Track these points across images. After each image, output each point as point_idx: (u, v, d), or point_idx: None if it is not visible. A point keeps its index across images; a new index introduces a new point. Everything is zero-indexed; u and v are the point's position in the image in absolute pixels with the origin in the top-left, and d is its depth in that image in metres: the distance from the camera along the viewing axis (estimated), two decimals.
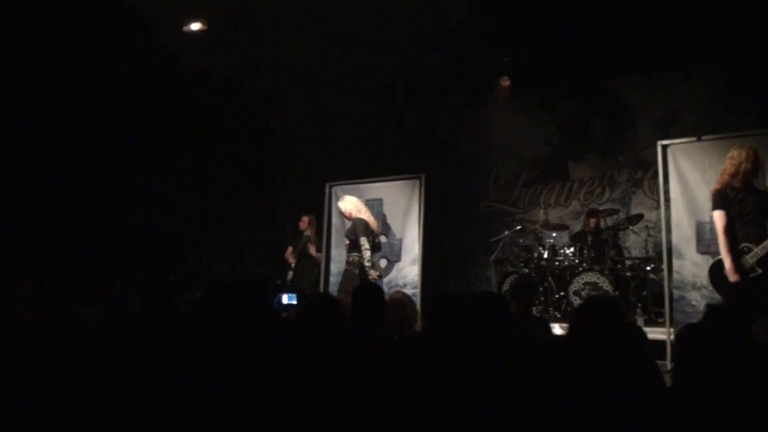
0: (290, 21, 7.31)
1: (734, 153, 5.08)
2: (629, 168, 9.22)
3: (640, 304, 7.22)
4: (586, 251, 7.65)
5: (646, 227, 8.06)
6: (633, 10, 7.16)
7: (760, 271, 4.78)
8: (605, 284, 7.07)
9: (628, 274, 7.49)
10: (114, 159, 8.61)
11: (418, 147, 9.63)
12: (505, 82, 9.62)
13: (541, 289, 7.56)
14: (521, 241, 8.65)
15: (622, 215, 8.48)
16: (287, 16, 7.26)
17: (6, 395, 2.73)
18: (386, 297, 3.95)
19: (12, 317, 3.44)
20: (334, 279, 7.80)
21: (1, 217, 7.34)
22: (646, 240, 8.04)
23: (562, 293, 7.55)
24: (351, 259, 7.08)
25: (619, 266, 7.57)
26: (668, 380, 2.61)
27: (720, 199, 5.02)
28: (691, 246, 5.77)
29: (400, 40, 7.54)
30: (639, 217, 8.04)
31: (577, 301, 7.14)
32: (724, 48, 7.60)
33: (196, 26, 7.63)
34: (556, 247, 7.95)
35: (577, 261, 7.68)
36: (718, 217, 5.00)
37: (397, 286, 7.52)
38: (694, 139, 5.98)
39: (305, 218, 8.59)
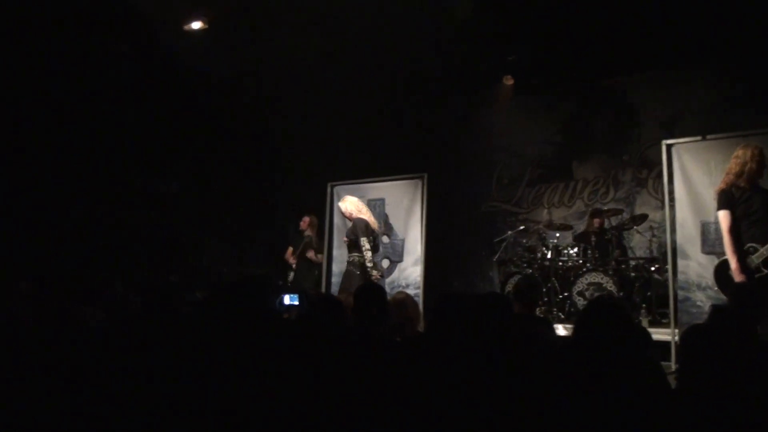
0: (291, 20, 7.31)
1: (739, 152, 5.08)
2: (633, 167, 9.20)
3: (644, 305, 7.21)
4: (590, 251, 7.64)
5: (651, 227, 8.05)
6: (637, 9, 7.15)
7: (765, 271, 4.78)
8: (609, 285, 7.06)
9: (633, 274, 7.48)
10: (114, 159, 8.62)
11: (420, 146, 9.63)
12: (509, 81, 9.62)
13: (544, 289, 7.55)
14: (524, 241, 8.64)
15: (626, 215, 8.46)
16: (288, 15, 7.26)
17: (6, 395, 2.74)
18: (388, 297, 3.95)
19: (12, 317, 3.44)
20: (336, 279, 7.79)
21: (1, 217, 7.35)
22: (650, 240, 8.03)
23: (565, 294, 7.54)
24: (351, 259, 7.09)
25: (623, 267, 7.56)
26: (673, 382, 2.61)
27: (725, 199, 5.01)
28: (696, 246, 5.75)
29: (403, 38, 7.54)
30: (643, 217, 8.03)
31: (581, 302, 7.13)
32: (729, 46, 7.59)
33: (197, 25, 7.63)
34: (560, 248, 7.94)
35: (580, 261, 7.67)
36: (723, 217, 5.00)
37: (399, 286, 7.52)
38: (699, 138, 5.96)
39: (306, 218, 8.58)
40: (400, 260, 7.79)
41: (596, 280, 7.15)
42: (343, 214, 7.36)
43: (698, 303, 5.66)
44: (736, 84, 8.16)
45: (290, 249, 8.65)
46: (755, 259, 4.84)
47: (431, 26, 7.49)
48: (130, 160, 8.89)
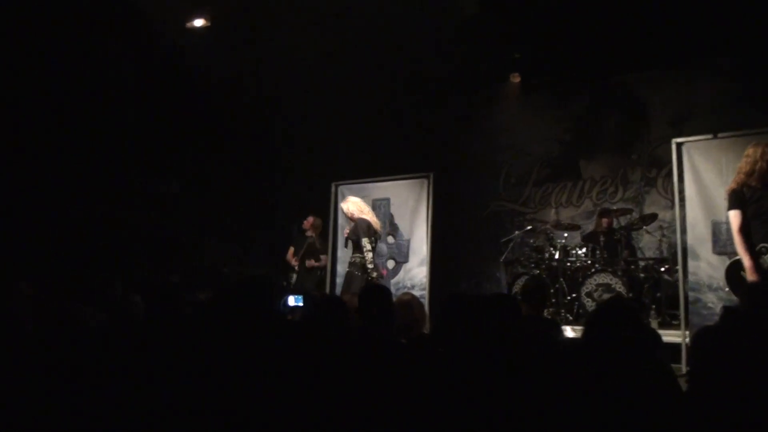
0: (295, 18, 7.32)
1: (750, 151, 5.07)
2: (643, 166, 9.18)
3: (654, 306, 7.20)
4: (598, 252, 7.62)
5: (661, 227, 8.02)
6: (646, 4, 7.14)
7: None
8: (618, 286, 7.04)
9: (642, 275, 7.46)
10: (114, 158, 8.65)
11: (426, 145, 9.62)
12: (516, 78, 9.61)
13: (552, 290, 7.53)
14: (532, 241, 8.63)
15: (635, 215, 8.44)
16: (291, 14, 7.27)
17: (6, 395, 2.75)
18: (394, 299, 3.95)
19: (12, 317, 3.46)
20: (340, 280, 7.81)
21: (1, 217, 7.38)
22: (660, 240, 8.00)
23: (573, 295, 7.52)
24: (353, 260, 7.11)
25: (632, 267, 7.55)
26: (684, 384, 2.60)
27: (736, 199, 5.00)
28: (706, 246, 5.74)
29: (409, 37, 7.55)
30: (653, 217, 8.01)
31: (589, 303, 7.12)
32: (741, 42, 7.56)
33: (199, 22, 7.65)
34: (568, 248, 7.93)
35: (589, 262, 7.66)
36: (734, 217, 4.99)
37: (405, 287, 7.53)
38: (710, 136, 5.95)
39: (310, 219, 8.56)
40: (406, 261, 7.80)
41: (605, 281, 7.14)
42: (345, 215, 7.38)
43: (709, 304, 5.65)
44: (747, 81, 8.12)
45: (291, 249, 8.62)
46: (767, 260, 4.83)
47: (437, 24, 7.50)
48: (130, 159, 8.92)
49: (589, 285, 7.22)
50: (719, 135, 5.89)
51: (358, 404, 2.61)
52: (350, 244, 7.31)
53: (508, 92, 9.85)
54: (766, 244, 4.85)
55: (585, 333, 2.78)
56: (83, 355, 2.97)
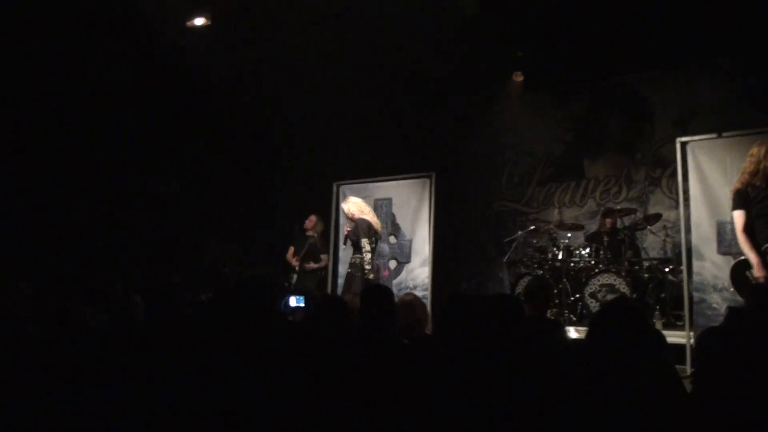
0: (296, 17, 7.32)
1: (754, 150, 5.06)
2: (647, 166, 9.17)
3: (658, 307, 7.19)
4: (602, 252, 7.62)
5: (665, 227, 8.02)
6: (651, 3, 7.13)
7: None
8: (622, 286, 7.04)
9: (646, 275, 7.46)
10: (115, 158, 8.66)
11: (428, 145, 9.62)
12: (518, 77, 9.60)
13: (555, 291, 7.53)
14: (535, 241, 8.62)
15: (639, 215, 8.42)
16: (292, 14, 7.28)
17: (6, 396, 2.76)
18: (396, 299, 3.96)
19: (12, 317, 3.46)
20: (342, 281, 7.81)
21: (1, 217, 7.39)
22: (664, 240, 8.00)
23: (577, 295, 7.52)
24: (354, 261, 7.14)
25: (636, 267, 7.54)
26: (688, 386, 2.60)
27: (740, 199, 5.00)
28: (711, 246, 5.74)
29: (411, 36, 7.56)
30: (657, 217, 8.00)
31: (593, 304, 7.11)
32: (746, 41, 7.55)
33: (199, 21, 7.66)
34: (571, 248, 7.92)
35: (592, 262, 7.65)
36: (738, 217, 4.98)
37: (407, 288, 7.54)
38: (714, 135, 5.95)
39: (312, 218, 8.55)
40: (408, 261, 7.81)
41: (609, 282, 7.13)
42: (345, 215, 7.39)
43: (714, 305, 5.65)
44: (752, 79, 8.11)
45: (291, 249, 8.61)
46: None
47: (439, 23, 7.49)
48: (130, 159, 8.93)
49: (593, 285, 7.22)
50: (724, 134, 5.88)
51: (359, 405, 2.61)
52: (350, 244, 7.32)
53: (510, 91, 9.84)
54: None
55: (589, 334, 2.78)
56: (83, 355, 2.98)
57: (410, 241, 7.80)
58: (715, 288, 5.67)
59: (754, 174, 4.98)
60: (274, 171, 10.39)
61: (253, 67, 8.16)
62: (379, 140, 9.51)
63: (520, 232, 8.87)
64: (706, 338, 2.54)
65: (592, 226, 8.83)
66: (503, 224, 10.08)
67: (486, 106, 10.22)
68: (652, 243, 8.47)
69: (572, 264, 7.80)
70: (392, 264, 7.89)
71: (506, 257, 8.94)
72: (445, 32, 7.71)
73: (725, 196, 5.50)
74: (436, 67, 8.61)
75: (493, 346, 2.94)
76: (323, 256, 8.38)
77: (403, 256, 7.86)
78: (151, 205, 9.30)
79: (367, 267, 6.83)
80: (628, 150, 9.37)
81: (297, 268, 8.42)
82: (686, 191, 6.05)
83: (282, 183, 10.44)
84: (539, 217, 9.80)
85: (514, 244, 8.80)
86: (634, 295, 6.99)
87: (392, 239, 7.86)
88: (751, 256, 4.89)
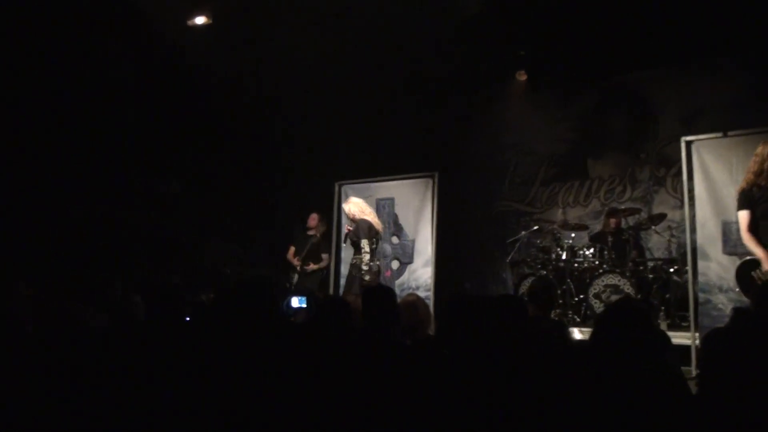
0: (298, 16, 7.33)
1: (759, 150, 5.06)
2: (651, 165, 9.16)
3: (663, 308, 7.19)
4: (606, 252, 7.62)
5: (669, 227, 8.01)
6: (656, 1, 7.12)
7: None
8: (626, 287, 7.03)
9: (651, 276, 7.45)
10: (115, 158, 8.68)
11: (430, 145, 9.63)
12: (522, 76, 9.60)
13: (559, 292, 7.52)
14: (539, 242, 8.62)
15: (644, 215, 8.42)
16: (295, 13, 7.28)
17: (6, 396, 2.76)
18: (398, 300, 3.96)
19: (12, 317, 3.47)
20: (344, 281, 7.82)
21: (1, 217, 7.41)
22: (669, 240, 8.00)
23: (581, 296, 7.52)
24: (354, 261, 7.16)
25: (641, 268, 7.53)
26: (693, 388, 2.60)
27: (745, 199, 5.00)
28: (716, 246, 5.73)
29: (413, 36, 7.56)
30: (662, 217, 7.99)
31: (597, 305, 7.11)
32: (752, 39, 7.54)
33: (200, 20, 7.66)
34: (575, 248, 7.92)
35: (597, 263, 7.65)
36: (742, 218, 4.99)
37: (409, 288, 7.54)
38: (719, 134, 5.94)
39: (315, 216, 8.52)
40: (410, 261, 7.80)
41: (613, 282, 7.12)
42: (346, 216, 7.40)
43: (719, 306, 5.64)
44: (758, 78, 8.09)
45: (292, 249, 8.59)
46: None
47: (442, 23, 7.50)
48: (130, 159, 8.94)
49: (597, 286, 7.21)
50: (729, 133, 5.87)
51: (362, 407, 2.61)
52: (351, 244, 7.34)
53: (513, 91, 9.84)
54: None
55: (593, 335, 2.78)
56: (83, 356, 2.98)
57: (413, 242, 7.80)
58: (720, 289, 5.67)
59: (758, 174, 4.98)
60: (275, 171, 10.39)
61: (254, 66, 8.17)
62: (381, 140, 9.51)
63: (523, 233, 8.87)
64: (711, 339, 2.54)
65: (596, 226, 8.82)
66: (506, 224, 10.08)
67: (489, 105, 10.21)
68: (656, 243, 8.46)
69: (576, 264, 7.80)
70: (395, 264, 7.89)
71: (509, 258, 8.94)
72: (449, 31, 7.71)
73: (731, 195, 5.49)
74: (439, 66, 8.61)
75: (496, 347, 2.94)
76: (324, 256, 8.36)
77: (406, 257, 7.86)
78: (151, 205, 9.32)
79: (365, 268, 6.85)
80: (633, 149, 9.36)
81: (298, 268, 8.41)
82: (691, 191, 6.04)
83: (284, 183, 10.44)
84: (543, 217, 9.79)
85: (518, 244, 8.80)
86: (639, 296, 6.99)
87: (395, 239, 7.86)
88: (758, 252, 4.89)
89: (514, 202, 10.23)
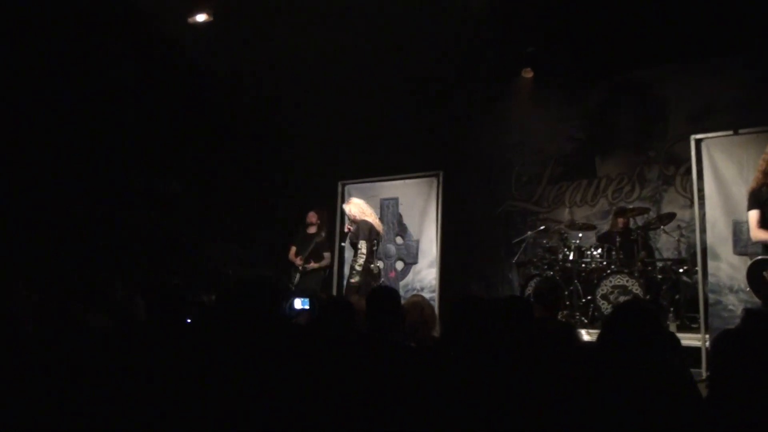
0: (300, 13, 7.34)
1: None
2: (660, 164, 9.13)
3: (672, 309, 7.17)
4: (614, 253, 7.60)
5: (679, 227, 8.00)
6: None
7: None
8: (635, 287, 7.02)
9: (660, 276, 7.44)
10: (115, 158, 8.70)
11: (435, 143, 9.61)
12: (528, 73, 9.57)
13: (566, 292, 7.51)
14: (545, 242, 8.61)
15: (652, 214, 8.41)
16: (297, 10, 7.29)
17: (6, 396, 2.78)
18: (403, 301, 3.96)
19: (12, 317, 3.49)
20: (346, 283, 7.82)
21: (1, 217, 7.44)
22: (678, 240, 7.98)
23: (589, 297, 7.50)
24: (352, 263, 7.17)
25: (649, 268, 7.52)
26: (703, 390, 2.60)
27: (754, 199, 5.00)
28: (727, 246, 5.72)
29: (417, 33, 7.56)
30: (671, 216, 7.97)
31: (605, 306, 7.10)
32: (763, 36, 7.52)
33: (201, 17, 7.67)
34: (583, 249, 7.91)
35: (604, 263, 7.64)
36: (752, 218, 4.99)
37: (414, 289, 7.55)
38: (730, 132, 5.93)
39: (313, 214, 8.50)
40: (415, 262, 7.81)
41: (621, 283, 7.11)
42: (347, 217, 7.41)
43: (730, 306, 5.64)
44: None
45: (293, 249, 8.58)
46: None
47: (446, 18, 7.49)
48: (130, 159, 8.97)
49: (605, 287, 7.20)
50: (740, 131, 5.86)
51: (365, 410, 2.62)
52: (350, 245, 7.37)
53: (519, 88, 9.80)
54: None
55: (601, 336, 2.78)
56: (83, 356, 3.00)
57: (417, 242, 7.81)
58: (731, 289, 5.66)
59: (767, 173, 4.98)
60: (276, 171, 10.40)
61: (256, 65, 8.18)
62: (385, 139, 9.50)
63: (529, 233, 8.87)
64: (721, 341, 2.54)
65: (604, 226, 8.81)
66: (512, 224, 10.07)
67: (494, 103, 10.18)
68: (665, 243, 8.45)
69: (583, 265, 7.79)
70: (399, 265, 7.90)
71: (516, 258, 8.94)
72: (454, 29, 7.70)
73: (741, 194, 5.48)
74: (444, 64, 8.60)
75: (502, 349, 2.95)
76: (326, 254, 8.34)
77: (410, 257, 7.86)
78: (151, 205, 9.34)
79: (357, 268, 6.87)
80: (641, 147, 9.33)
81: (301, 267, 8.41)
82: (701, 190, 6.04)
83: (285, 183, 10.45)
84: (549, 217, 9.77)
85: (524, 244, 8.79)
86: (648, 297, 6.98)
87: (399, 240, 7.87)
88: None
89: (521, 202, 10.22)
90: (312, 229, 8.45)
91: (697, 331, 6.25)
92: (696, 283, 6.42)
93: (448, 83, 9.41)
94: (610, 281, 7.19)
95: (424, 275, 7.72)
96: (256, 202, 10.10)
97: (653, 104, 9.26)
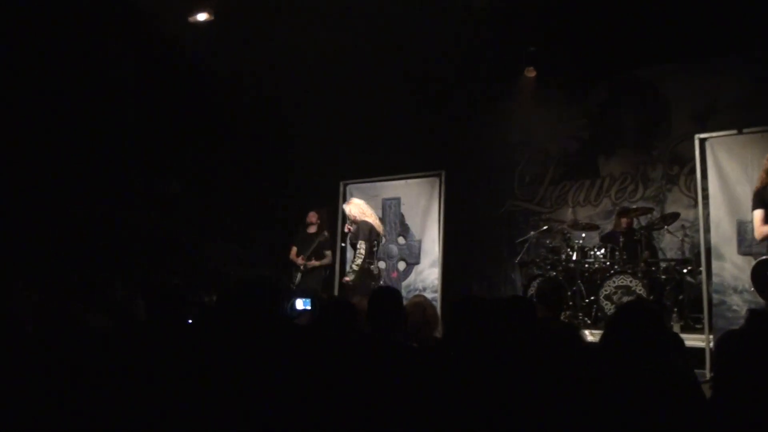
0: (300, 13, 7.34)
1: None
2: (664, 163, 9.13)
3: (676, 309, 7.17)
4: (617, 253, 7.60)
5: (683, 227, 7.99)
6: None
7: None
8: (638, 288, 7.02)
9: (663, 277, 7.44)
10: (116, 158, 8.71)
11: (437, 143, 9.61)
12: (531, 73, 9.57)
13: (569, 293, 7.51)
14: (548, 242, 8.61)
15: (656, 214, 8.40)
16: (299, 9, 7.29)
17: (6, 396, 2.78)
18: (405, 302, 3.97)
19: (12, 317, 3.50)
20: None
21: (1, 217, 7.46)
22: (682, 240, 7.97)
23: (592, 298, 7.51)
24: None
25: (653, 269, 7.52)
26: (707, 391, 2.60)
27: (759, 198, 5.00)
28: (731, 246, 5.72)
29: (420, 32, 7.56)
30: (675, 216, 7.97)
31: (608, 306, 7.10)
32: (765, 33, 7.51)
33: (202, 17, 7.68)
34: (586, 249, 7.91)
35: (608, 263, 7.63)
36: (756, 218, 4.99)
37: (416, 289, 7.56)
38: (734, 132, 5.93)
39: (313, 213, 8.49)
40: (417, 262, 7.82)
41: (624, 283, 7.11)
42: (347, 217, 7.42)
43: (734, 307, 5.63)
44: None
45: (294, 249, 8.58)
46: None
47: (448, 18, 7.49)
48: (130, 159, 8.98)
49: (608, 287, 7.20)
50: (744, 130, 5.86)
51: (367, 410, 2.62)
52: (350, 245, 7.38)
53: (522, 87, 9.80)
54: None
55: (604, 337, 2.78)
56: (83, 356, 3.00)
57: (419, 242, 7.81)
58: (735, 289, 5.66)
59: None
60: (277, 171, 10.41)
61: (256, 65, 8.18)
62: (387, 139, 9.50)
63: (532, 233, 8.86)
64: (725, 342, 2.54)
65: (607, 226, 8.81)
66: (515, 224, 10.07)
67: (497, 102, 10.19)
68: (669, 243, 8.44)
69: (587, 265, 7.79)
70: (401, 265, 7.90)
71: (518, 258, 8.94)
72: (455, 28, 7.70)
73: (746, 194, 5.48)
74: (446, 63, 8.61)
75: (504, 349, 2.95)
76: (327, 253, 8.33)
77: (413, 257, 7.87)
78: (151, 205, 9.34)
79: (354, 267, 6.89)
80: (645, 147, 9.33)
81: (302, 267, 8.40)
82: (705, 189, 6.03)
83: (287, 182, 10.45)
84: (552, 217, 9.75)
85: (527, 244, 8.79)
86: (651, 297, 6.98)
87: (401, 240, 7.87)
88: None
89: (523, 202, 10.22)
90: (312, 229, 8.45)
91: (701, 331, 6.24)
92: (700, 283, 6.41)
93: (450, 83, 9.41)
94: (614, 281, 7.19)
95: (427, 275, 7.72)
96: (256, 202, 10.10)
97: (656, 103, 9.26)
